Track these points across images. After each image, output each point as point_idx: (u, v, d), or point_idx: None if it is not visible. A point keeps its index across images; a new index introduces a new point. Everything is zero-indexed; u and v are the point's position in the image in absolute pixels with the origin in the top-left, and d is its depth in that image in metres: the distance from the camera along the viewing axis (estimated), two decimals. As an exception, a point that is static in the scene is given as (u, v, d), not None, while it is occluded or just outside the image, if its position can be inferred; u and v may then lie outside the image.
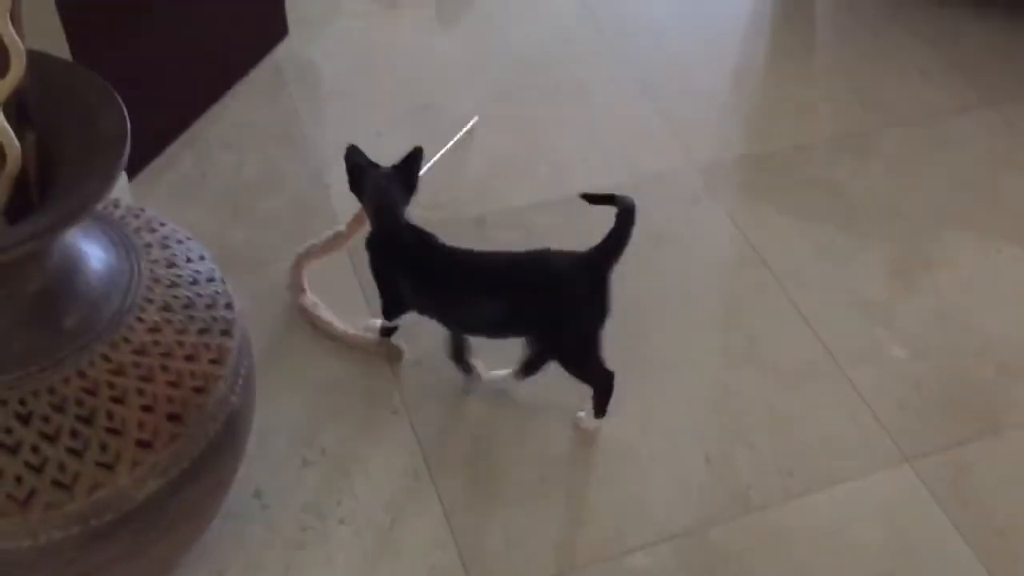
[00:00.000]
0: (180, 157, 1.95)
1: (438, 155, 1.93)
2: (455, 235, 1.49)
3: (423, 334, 1.58)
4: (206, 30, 1.97)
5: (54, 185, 1.01)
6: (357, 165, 1.48)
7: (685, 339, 1.69)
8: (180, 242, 1.20)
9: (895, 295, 1.78)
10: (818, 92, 2.20)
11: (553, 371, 1.49)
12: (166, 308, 1.11)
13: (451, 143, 1.98)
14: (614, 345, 1.47)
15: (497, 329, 1.50)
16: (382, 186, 1.47)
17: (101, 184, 0.96)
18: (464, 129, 2.02)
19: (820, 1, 2.49)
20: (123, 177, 1.74)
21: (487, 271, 1.46)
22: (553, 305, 1.44)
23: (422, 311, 1.53)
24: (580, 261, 1.42)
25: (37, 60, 1.00)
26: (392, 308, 1.56)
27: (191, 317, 1.12)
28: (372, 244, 1.51)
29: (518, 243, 1.47)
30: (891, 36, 2.35)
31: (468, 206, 1.89)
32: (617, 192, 1.43)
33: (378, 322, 1.62)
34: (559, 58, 2.25)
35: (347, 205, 1.63)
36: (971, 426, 1.58)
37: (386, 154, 1.49)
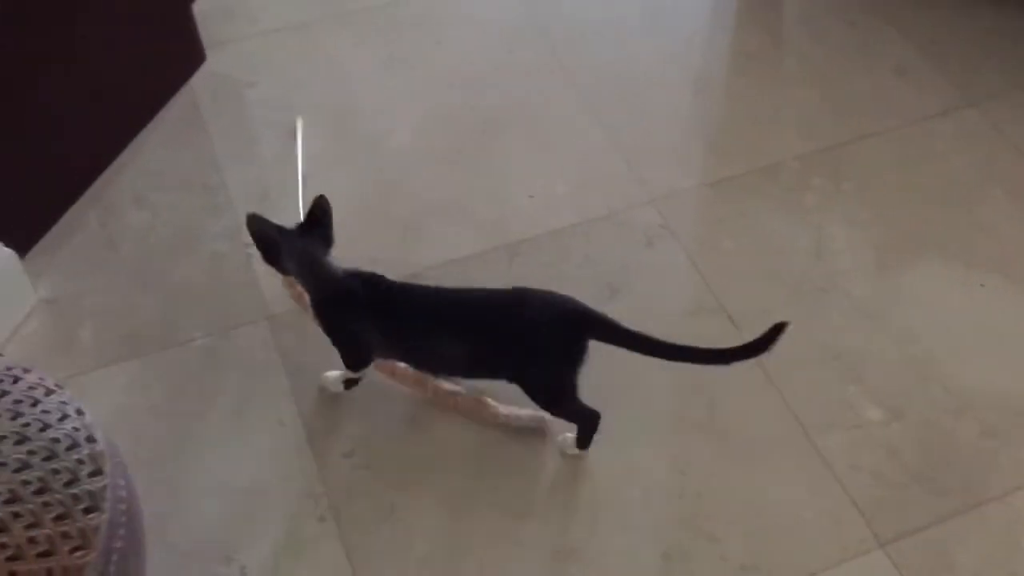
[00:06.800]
0: (84, 218, 1.77)
1: (300, 184, 1.79)
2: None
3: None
4: (109, 67, 1.77)
5: None
6: (264, 235, 1.35)
7: (642, 408, 1.55)
8: (36, 403, 1.04)
9: (868, 343, 1.63)
10: (786, 101, 2.01)
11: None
12: (13, 500, 0.96)
13: (300, 162, 1.83)
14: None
15: (469, 369, 1.41)
16: (299, 248, 1.36)
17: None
18: (298, 139, 1.87)
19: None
20: (10, 255, 1.58)
21: (459, 309, 1.36)
22: (526, 350, 1.34)
23: (388, 354, 1.45)
24: (559, 312, 1.33)
25: None
26: (358, 360, 1.46)
27: (45, 504, 0.97)
28: (321, 308, 1.40)
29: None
30: (869, 28, 2.15)
31: (396, 262, 1.72)
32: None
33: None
34: (502, 75, 2.06)
35: (269, 268, 1.46)
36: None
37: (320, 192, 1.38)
